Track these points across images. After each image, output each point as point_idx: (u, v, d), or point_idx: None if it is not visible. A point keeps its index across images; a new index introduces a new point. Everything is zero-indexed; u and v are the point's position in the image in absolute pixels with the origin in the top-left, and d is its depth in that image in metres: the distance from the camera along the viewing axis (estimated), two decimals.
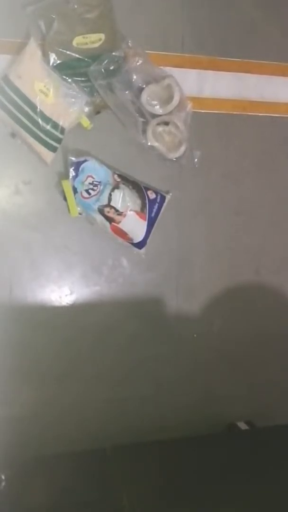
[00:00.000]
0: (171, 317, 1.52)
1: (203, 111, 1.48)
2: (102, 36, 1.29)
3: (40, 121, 1.25)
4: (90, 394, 1.46)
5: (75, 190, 1.33)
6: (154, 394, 1.52)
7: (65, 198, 1.33)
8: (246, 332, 1.59)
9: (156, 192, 1.40)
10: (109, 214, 1.33)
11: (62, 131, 1.29)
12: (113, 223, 1.35)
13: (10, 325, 1.39)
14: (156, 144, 1.39)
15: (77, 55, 1.27)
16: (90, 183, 1.32)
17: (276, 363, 1.63)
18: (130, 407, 1.50)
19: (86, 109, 1.31)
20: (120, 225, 1.35)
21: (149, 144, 1.38)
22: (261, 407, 1.61)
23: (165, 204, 1.42)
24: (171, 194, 1.43)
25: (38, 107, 1.24)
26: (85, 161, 1.33)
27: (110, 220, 1.34)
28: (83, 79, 1.29)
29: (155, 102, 1.36)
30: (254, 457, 1.25)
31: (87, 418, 1.46)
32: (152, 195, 1.39)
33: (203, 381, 1.56)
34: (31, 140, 1.26)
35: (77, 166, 1.32)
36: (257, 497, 1.11)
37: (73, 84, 1.28)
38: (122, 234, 1.37)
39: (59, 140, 1.29)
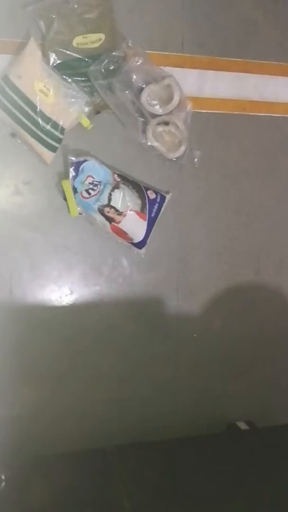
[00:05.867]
0: (171, 317, 1.52)
1: (203, 111, 1.48)
2: (102, 36, 1.29)
3: (40, 121, 1.24)
4: (90, 394, 1.46)
5: (75, 190, 1.33)
6: (154, 394, 1.52)
7: (65, 198, 1.33)
8: (246, 332, 1.59)
9: (156, 192, 1.40)
10: (109, 214, 1.33)
11: (62, 131, 1.28)
12: (113, 223, 1.34)
13: (10, 325, 1.39)
14: (156, 144, 1.38)
15: (77, 55, 1.27)
16: (90, 183, 1.32)
17: (276, 362, 1.63)
18: (130, 407, 1.50)
19: (86, 109, 1.31)
20: (120, 225, 1.35)
21: (149, 144, 1.38)
22: (261, 407, 1.61)
23: (165, 204, 1.41)
24: (171, 194, 1.43)
25: (38, 107, 1.23)
26: (85, 161, 1.33)
27: (110, 220, 1.34)
28: (83, 79, 1.28)
29: (155, 102, 1.35)
30: (254, 457, 1.24)
31: (87, 418, 1.46)
32: (152, 195, 1.39)
33: (203, 381, 1.56)
34: (31, 140, 1.26)
35: (77, 166, 1.32)
36: (257, 496, 1.11)
37: (73, 84, 1.28)
38: (122, 234, 1.37)
39: (59, 140, 1.29)
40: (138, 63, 1.31)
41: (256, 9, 1.53)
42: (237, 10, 1.51)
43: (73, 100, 1.27)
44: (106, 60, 1.27)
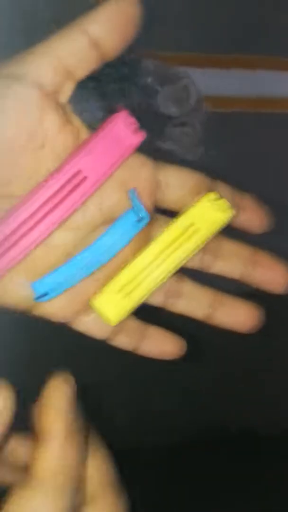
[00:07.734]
0: (171, 317, 1.50)
1: (219, 110, 1.42)
2: None
3: None
4: (89, 396, 1.46)
5: None
6: (154, 396, 1.53)
7: None
8: (252, 334, 1.57)
9: None
10: None
11: None
12: None
13: (10, 326, 1.39)
14: (174, 146, 1.33)
15: None
16: None
17: (280, 365, 1.63)
18: (130, 409, 1.51)
19: (99, 113, 1.26)
20: None
21: (166, 147, 1.33)
22: (265, 410, 1.62)
23: None
24: None
25: None
26: None
27: None
28: (94, 83, 1.23)
29: (171, 104, 1.30)
30: (257, 462, 1.26)
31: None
32: None
33: (204, 383, 1.57)
34: None
35: None
36: (259, 502, 1.13)
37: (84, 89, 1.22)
38: None
39: None
40: (152, 65, 1.25)
41: (267, 1, 1.44)
42: (247, 3, 1.42)
43: None
44: (119, 63, 1.21)
